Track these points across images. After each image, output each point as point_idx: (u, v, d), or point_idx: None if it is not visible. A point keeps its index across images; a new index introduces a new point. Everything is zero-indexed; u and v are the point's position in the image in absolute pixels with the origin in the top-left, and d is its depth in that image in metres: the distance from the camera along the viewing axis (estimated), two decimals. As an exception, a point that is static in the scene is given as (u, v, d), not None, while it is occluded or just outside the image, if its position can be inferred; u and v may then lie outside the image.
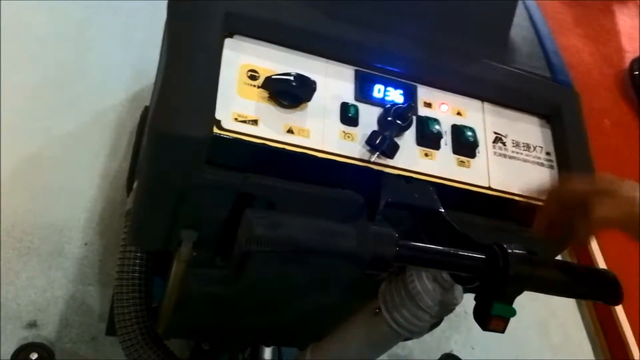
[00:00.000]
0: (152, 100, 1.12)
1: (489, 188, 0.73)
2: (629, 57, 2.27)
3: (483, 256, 0.62)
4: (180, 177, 0.63)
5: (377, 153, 0.67)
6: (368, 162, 0.67)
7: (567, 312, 1.80)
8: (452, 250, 0.62)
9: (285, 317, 0.91)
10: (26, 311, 1.22)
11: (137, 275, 0.87)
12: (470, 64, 0.77)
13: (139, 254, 0.87)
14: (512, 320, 0.62)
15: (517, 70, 0.80)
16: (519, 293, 0.62)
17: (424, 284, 0.72)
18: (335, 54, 0.71)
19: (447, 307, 0.76)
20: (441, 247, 0.62)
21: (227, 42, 0.66)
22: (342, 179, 0.67)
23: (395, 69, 0.73)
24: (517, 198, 0.74)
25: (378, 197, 0.66)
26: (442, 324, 0.89)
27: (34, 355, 1.13)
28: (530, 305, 1.68)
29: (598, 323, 1.76)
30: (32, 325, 1.21)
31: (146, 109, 1.35)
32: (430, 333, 0.87)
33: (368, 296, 0.68)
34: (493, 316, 0.61)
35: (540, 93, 0.80)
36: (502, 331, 0.62)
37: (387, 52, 0.73)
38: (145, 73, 1.58)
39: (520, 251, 0.62)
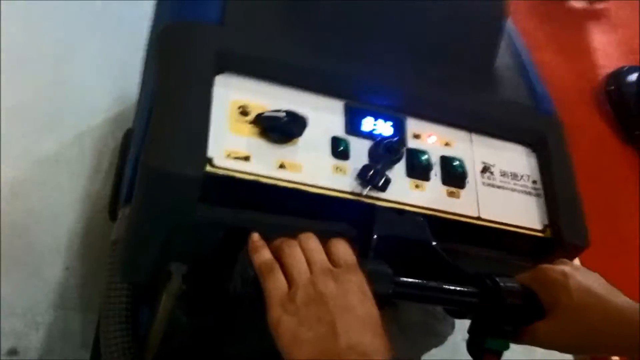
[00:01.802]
0: (135, 124, 1.11)
1: (479, 218, 0.74)
2: (603, 72, 2.32)
3: (477, 291, 0.62)
4: (172, 215, 0.62)
5: (369, 186, 0.67)
6: (360, 195, 0.68)
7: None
8: (446, 286, 0.62)
9: (273, 348, 0.91)
10: (6, 338, 1.19)
11: (124, 306, 0.86)
12: (457, 95, 0.78)
13: (125, 284, 0.86)
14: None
15: (502, 101, 0.81)
16: (512, 327, 0.63)
17: (416, 318, 0.73)
18: (324, 88, 0.71)
19: (438, 338, 0.76)
20: (435, 283, 0.62)
21: (218, 79, 0.65)
22: (334, 213, 0.67)
23: (384, 102, 0.74)
24: (506, 227, 0.74)
25: (371, 231, 0.66)
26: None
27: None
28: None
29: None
30: (13, 352, 1.18)
31: (128, 131, 1.33)
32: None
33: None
34: (487, 350, 0.62)
35: (524, 123, 0.81)
36: (496, 364, 0.63)
37: (376, 85, 0.74)
38: (126, 94, 1.56)
39: (513, 284, 0.62)
